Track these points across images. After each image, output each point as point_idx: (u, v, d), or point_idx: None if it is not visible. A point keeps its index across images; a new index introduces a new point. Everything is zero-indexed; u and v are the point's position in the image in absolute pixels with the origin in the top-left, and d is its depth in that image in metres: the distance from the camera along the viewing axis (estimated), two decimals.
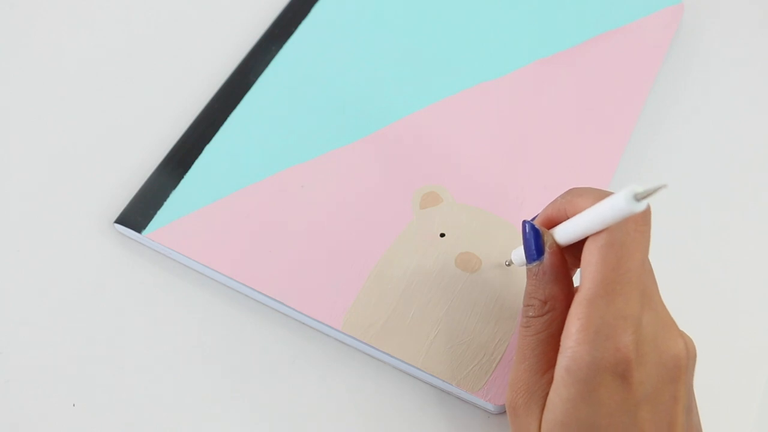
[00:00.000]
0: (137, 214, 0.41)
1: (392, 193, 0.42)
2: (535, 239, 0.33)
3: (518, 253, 0.36)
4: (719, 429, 0.38)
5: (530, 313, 0.33)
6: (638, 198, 0.27)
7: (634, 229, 0.30)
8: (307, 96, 0.45)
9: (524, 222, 0.34)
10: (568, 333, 0.30)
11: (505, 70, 0.47)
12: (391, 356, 0.38)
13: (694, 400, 0.33)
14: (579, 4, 0.49)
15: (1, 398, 0.38)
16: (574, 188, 0.33)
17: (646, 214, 0.31)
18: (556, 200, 0.34)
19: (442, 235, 0.41)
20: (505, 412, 0.38)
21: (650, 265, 0.33)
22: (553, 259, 0.33)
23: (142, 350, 0.39)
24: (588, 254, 0.30)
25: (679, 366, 0.31)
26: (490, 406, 0.37)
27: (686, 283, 0.41)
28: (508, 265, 0.40)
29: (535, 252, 0.33)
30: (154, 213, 0.41)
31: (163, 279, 0.41)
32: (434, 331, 0.38)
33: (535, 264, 0.33)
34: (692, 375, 0.33)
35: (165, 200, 0.42)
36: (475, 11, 0.49)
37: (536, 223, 0.34)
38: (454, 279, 0.39)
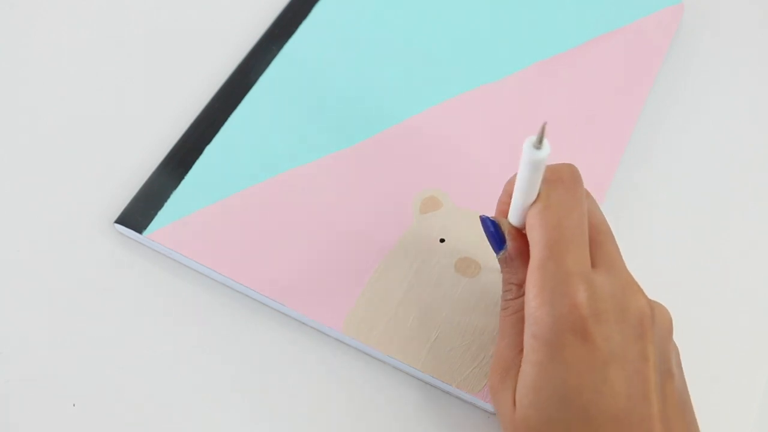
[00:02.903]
0: (138, 215, 0.41)
1: (393, 197, 0.42)
2: (494, 230, 0.35)
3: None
4: (719, 429, 0.38)
5: (508, 297, 0.34)
6: (536, 144, 0.29)
7: (564, 191, 0.31)
8: (308, 97, 0.45)
9: (482, 217, 0.35)
10: (528, 300, 0.31)
11: (505, 72, 0.47)
12: (392, 358, 0.38)
13: (678, 367, 0.33)
14: (579, 6, 0.49)
15: (1, 398, 0.38)
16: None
17: (573, 174, 0.32)
18: (504, 187, 0.35)
19: (442, 240, 0.41)
20: None
21: (608, 228, 0.34)
22: (515, 243, 0.34)
23: (142, 350, 0.39)
24: (529, 223, 0.32)
25: (643, 323, 0.31)
26: (490, 407, 0.37)
27: (686, 283, 0.41)
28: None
29: (498, 241, 0.34)
30: (155, 213, 0.41)
31: (163, 279, 0.41)
32: (434, 334, 0.38)
33: (502, 252, 0.34)
34: (665, 338, 0.32)
35: (165, 201, 0.42)
36: (475, 14, 0.49)
37: (494, 215, 0.35)
38: (453, 283, 0.39)
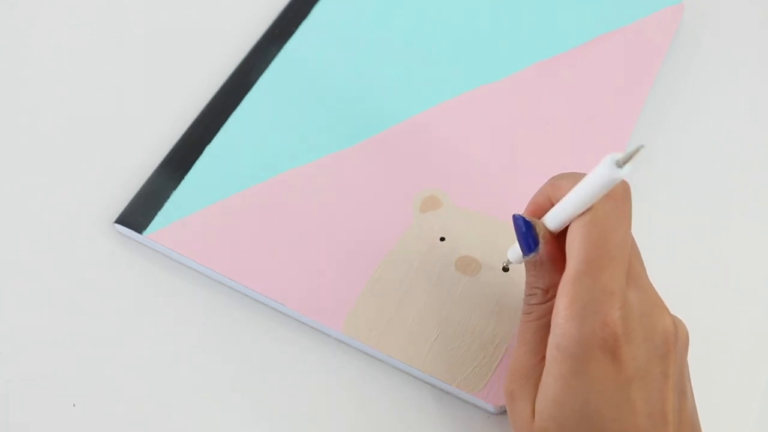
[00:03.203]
0: (138, 215, 0.41)
1: (393, 197, 0.42)
2: (528, 231, 0.33)
3: (515, 251, 0.36)
4: (719, 429, 0.38)
5: (532, 301, 0.33)
6: (620, 164, 0.28)
7: (614, 206, 0.31)
8: (308, 97, 0.45)
9: (515, 216, 0.34)
10: (557, 311, 0.30)
11: (505, 72, 0.47)
12: (392, 358, 0.38)
13: (689, 385, 0.33)
14: (579, 6, 0.49)
15: (1, 398, 0.38)
16: (556, 175, 0.33)
17: (626, 191, 0.31)
18: (541, 188, 0.34)
19: (442, 239, 0.41)
20: (505, 412, 0.38)
21: (636, 246, 0.33)
22: (548, 248, 0.33)
23: (142, 350, 0.39)
24: (572, 233, 0.31)
25: (668, 342, 0.31)
26: (490, 407, 0.37)
27: (686, 283, 0.41)
28: (507, 270, 0.40)
29: (531, 244, 0.33)
30: (155, 213, 0.41)
31: (163, 279, 0.41)
32: (435, 333, 0.38)
33: (532, 255, 0.33)
34: (684, 356, 0.33)
35: (165, 201, 0.42)
36: (475, 14, 0.49)
37: (526, 215, 0.34)
38: (454, 282, 0.39)
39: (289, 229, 0.41)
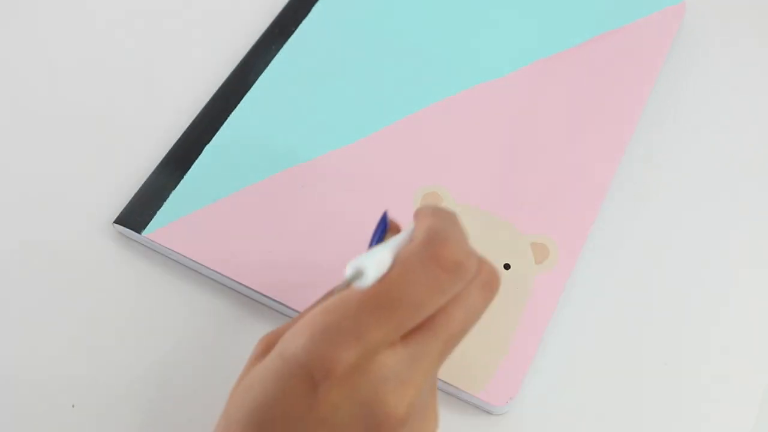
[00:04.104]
0: (137, 214, 0.41)
1: (393, 193, 0.42)
2: (380, 233, 0.32)
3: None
4: (719, 429, 0.38)
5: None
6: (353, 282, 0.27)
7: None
8: (307, 96, 0.45)
9: (385, 213, 0.32)
10: (309, 314, 0.29)
11: (506, 70, 0.46)
12: None
13: None
14: (580, 4, 0.49)
15: (1, 398, 0.38)
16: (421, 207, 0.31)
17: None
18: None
19: None
20: (507, 412, 0.38)
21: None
22: None
23: (143, 350, 0.39)
24: None
25: (382, 427, 0.27)
26: (490, 407, 0.37)
27: (686, 283, 0.41)
28: (508, 267, 0.40)
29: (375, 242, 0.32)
30: (154, 213, 0.41)
31: (162, 279, 0.41)
32: None
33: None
34: None
35: (164, 200, 0.42)
36: (476, 11, 0.49)
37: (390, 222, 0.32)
38: None
39: (289, 227, 0.41)
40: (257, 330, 0.39)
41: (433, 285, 0.27)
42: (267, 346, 0.31)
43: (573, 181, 0.42)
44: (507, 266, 0.40)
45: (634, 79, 0.46)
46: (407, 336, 0.28)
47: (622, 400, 0.38)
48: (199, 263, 0.40)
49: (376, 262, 0.27)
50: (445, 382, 0.37)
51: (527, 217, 0.41)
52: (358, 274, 0.27)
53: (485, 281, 0.29)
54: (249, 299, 0.40)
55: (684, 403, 0.38)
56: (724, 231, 0.43)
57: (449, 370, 0.37)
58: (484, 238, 0.41)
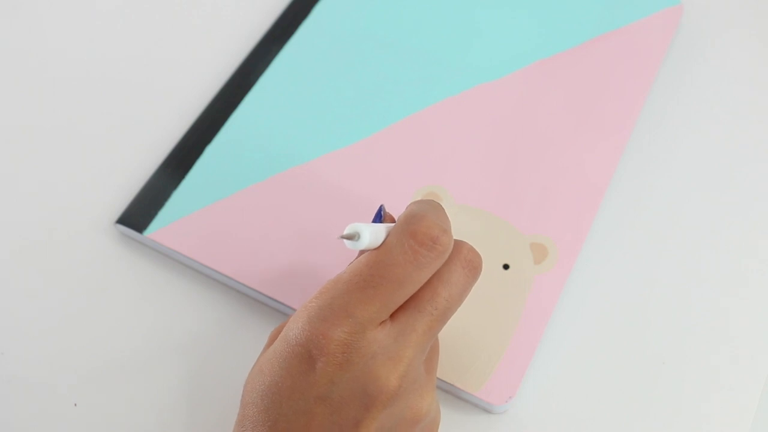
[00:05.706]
0: (138, 215, 0.41)
1: (393, 194, 0.42)
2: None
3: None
4: (719, 429, 0.38)
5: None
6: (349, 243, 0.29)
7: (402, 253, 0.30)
8: (308, 97, 0.46)
9: (382, 206, 0.33)
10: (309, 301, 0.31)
11: (505, 71, 0.47)
12: None
13: None
14: (578, 6, 0.49)
15: (1, 398, 0.38)
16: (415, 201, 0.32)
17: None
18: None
19: None
20: (506, 411, 0.38)
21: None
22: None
23: (143, 350, 0.39)
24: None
25: (375, 397, 0.29)
26: (490, 406, 0.37)
27: (686, 283, 0.41)
28: (507, 267, 0.40)
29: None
30: (156, 213, 0.41)
31: (164, 279, 0.41)
32: None
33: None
34: (394, 422, 0.30)
35: (166, 200, 0.42)
36: (475, 13, 0.49)
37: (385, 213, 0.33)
38: None
39: (290, 227, 0.41)
40: (257, 329, 0.40)
41: (411, 260, 0.29)
42: (276, 335, 0.34)
43: (571, 181, 0.43)
44: (506, 266, 0.40)
45: (632, 80, 0.46)
46: (396, 313, 0.30)
47: (621, 399, 0.38)
48: (200, 263, 0.40)
49: (373, 230, 0.29)
50: (445, 381, 0.37)
51: (526, 217, 0.41)
52: (354, 235, 0.29)
53: (467, 260, 0.31)
54: (249, 299, 0.40)
55: (683, 402, 0.38)
56: (722, 231, 0.43)
57: (449, 370, 0.37)
58: (483, 238, 0.41)
